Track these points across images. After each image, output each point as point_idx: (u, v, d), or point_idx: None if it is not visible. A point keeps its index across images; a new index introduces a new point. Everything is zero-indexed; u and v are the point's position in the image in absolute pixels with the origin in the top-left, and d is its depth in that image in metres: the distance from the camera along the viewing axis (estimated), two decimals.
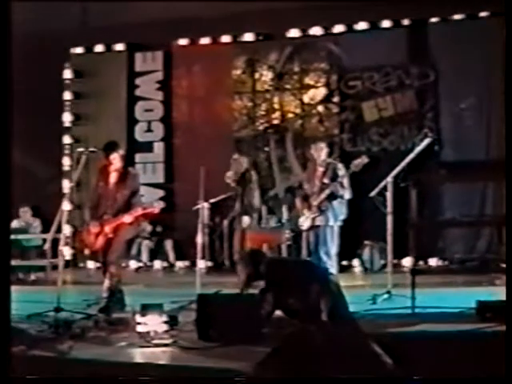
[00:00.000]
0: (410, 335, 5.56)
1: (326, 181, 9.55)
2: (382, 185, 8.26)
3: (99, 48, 13.65)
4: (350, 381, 4.11)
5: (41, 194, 12.88)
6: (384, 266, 10.07)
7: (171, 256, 12.78)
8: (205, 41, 13.15)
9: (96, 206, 7.82)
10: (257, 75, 12.97)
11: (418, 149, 8.58)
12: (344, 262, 11.24)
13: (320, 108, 12.62)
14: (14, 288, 7.37)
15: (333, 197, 9.50)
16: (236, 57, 13.01)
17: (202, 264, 9.18)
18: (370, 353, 4.30)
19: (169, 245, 12.82)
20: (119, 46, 13.54)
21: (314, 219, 9.54)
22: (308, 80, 12.71)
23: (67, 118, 13.62)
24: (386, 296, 7.86)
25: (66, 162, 13.42)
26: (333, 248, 9.62)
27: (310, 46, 12.64)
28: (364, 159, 9.25)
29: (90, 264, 12.42)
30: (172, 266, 12.69)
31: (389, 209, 8.20)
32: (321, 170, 9.69)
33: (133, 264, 12.56)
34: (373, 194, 8.38)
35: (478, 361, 4.29)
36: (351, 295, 6.76)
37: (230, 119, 13.04)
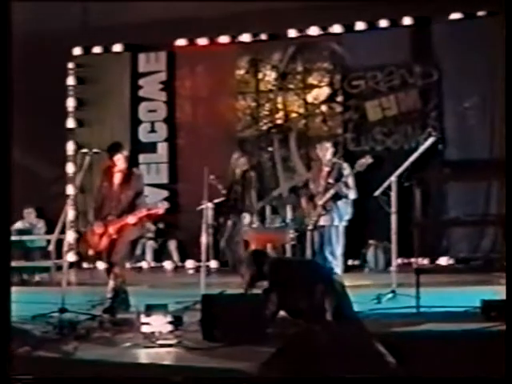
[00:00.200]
0: (414, 335, 5.56)
1: (331, 181, 9.53)
2: (386, 184, 8.26)
3: (102, 49, 13.66)
4: (355, 380, 4.11)
5: (45, 195, 12.89)
6: (388, 265, 10.08)
7: (175, 256, 12.80)
8: (208, 41, 13.14)
9: (100, 207, 7.82)
10: (260, 75, 12.97)
11: (421, 148, 8.57)
12: (348, 262, 11.22)
13: (323, 108, 12.61)
14: (18, 289, 7.40)
15: (338, 197, 9.49)
16: (239, 57, 13.00)
17: (206, 264, 9.18)
18: (375, 352, 4.30)
19: (173, 245, 12.83)
20: (122, 47, 13.54)
21: (318, 219, 9.53)
22: (311, 80, 12.71)
23: (71, 120, 13.62)
24: (390, 295, 7.86)
25: (70, 163, 13.42)
26: (338, 248, 9.60)
27: (314, 46, 12.63)
28: (368, 159, 9.23)
29: (95, 265, 12.43)
30: (177, 266, 12.71)
31: (393, 208, 8.20)
32: (326, 169, 9.68)
33: (137, 264, 12.56)
34: (377, 193, 8.39)
35: (483, 360, 4.29)
36: (356, 295, 6.76)
37: (233, 119, 13.03)
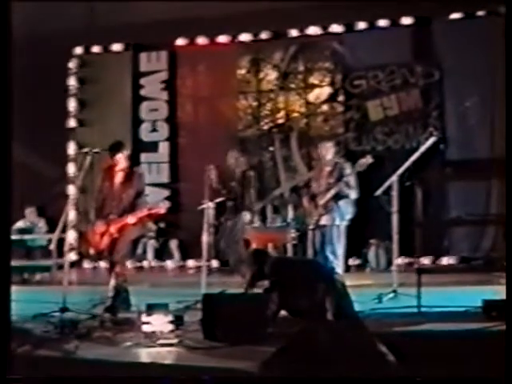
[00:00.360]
0: (415, 334, 5.55)
1: (332, 180, 9.53)
2: (387, 184, 8.26)
3: (103, 48, 13.66)
4: (356, 380, 4.11)
5: (46, 194, 12.90)
6: (389, 264, 10.08)
7: (176, 256, 12.80)
8: (209, 40, 13.14)
9: (101, 206, 7.82)
10: (261, 75, 12.97)
11: (423, 148, 8.57)
12: (349, 261, 11.23)
13: (325, 107, 12.61)
14: (19, 288, 7.42)
15: (339, 196, 9.48)
16: (240, 56, 13.00)
17: (207, 264, 9.18)
18: (376, 352, 4.30)
19: (174, 244, 12.84)
20: (123, 47, 13.54)
21: (320, 218, 9.52)
22: (313, 79, 12.70)
23: (72, 119, 13.62)
24: (391, 295, 7.86)
25: (71, 162, 13.42)
26: (339, 247, 9.59)
27: (315, 46, 12.62)
28: (368, 159, 9.23)
29: (96, 264, 12.44)
30: (178, 265, 12.72)
31: (394, 208, 8.19)
32: (327, 169, 9.67)
33: (138, 263, 12.57)
34: (378, 193, 8.38)
35: (484, 360, 4.29)
36: (357, 294, 6.76)
37: (234, 119, 13.03)
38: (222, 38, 13.07)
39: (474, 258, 11.32)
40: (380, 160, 10.28)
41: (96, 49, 13.71)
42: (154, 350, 5.66)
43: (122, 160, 7.79)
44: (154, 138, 13.37)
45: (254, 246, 10.09)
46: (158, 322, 5.93)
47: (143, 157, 13.18)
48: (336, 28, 12.49)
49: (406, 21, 12.11)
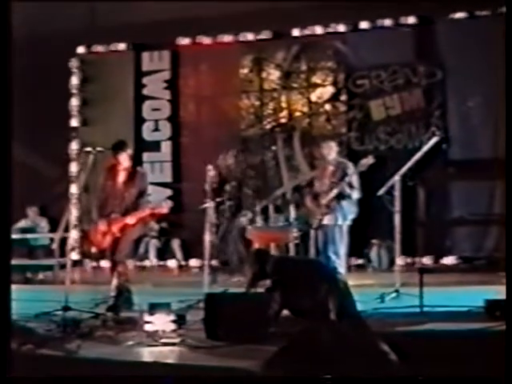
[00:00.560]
0: (418, 334, 5.55)
1: (335, 180, 9.51)
2: (389, 183, 8.25)
3: (106, 48, 13.66)
4: (358, 380, 4.11)
5: (48, 193, 12.91)
6: (392, 264, 10.07)
7: (179, 255, 12.80)
8: (212, 40, 13.14)
9: (104, 206, 7.82)
10: (264, 74, 12.96)
11: (425, 147, 8.57)
12: (352, 261, 11.22)
13: (327, 107, 12.60)
14: (21, 287, 7.42)
15: (342, 196, 9.47)
16: (243, 56, 13.00)
17: (209, 263, 9.18)
18: (378, 351, 4.30)
19: (176, 244, 12.83)
20: (126, 46, 13.54)
21: (322, 218, 9.51)
22: (315, 79, 12.69)
23: (75, 118, 13.63)
24: (394, 295, 7.86)
25: (74, 162, 13.43)
26: (341, 247, 9.57)
27: (318, 45, 12.62)
28: (370, 159, 9.21)
29: (98, 263, 12.44)
30: (181, 265, 12.72)
31: (396, 207, 8.19)
32: (330, 168, 9.65)
33: (140, 263, 12.57)
34: (381, 192, 8.38)
35: (486, 359, 4.28)
36: (359, 294, 6.75)
37: (237, 118, 13.02)
38: (225, 38, 13.07)
39: (476, 258, 11.31)
40: (382, 160, 10.26)
41: (98, 48, 13.71)
42: (157, 349, 5.66)
43: (124, 159, 7.80)
44: (157, 138, 13.37)
45: (256, 245, 10.09)
46: (160, 322, 5.94)
47: (146, 156, 13.18)
48: (339, 27, 12.49)
49: (409, 20, 12.08)
